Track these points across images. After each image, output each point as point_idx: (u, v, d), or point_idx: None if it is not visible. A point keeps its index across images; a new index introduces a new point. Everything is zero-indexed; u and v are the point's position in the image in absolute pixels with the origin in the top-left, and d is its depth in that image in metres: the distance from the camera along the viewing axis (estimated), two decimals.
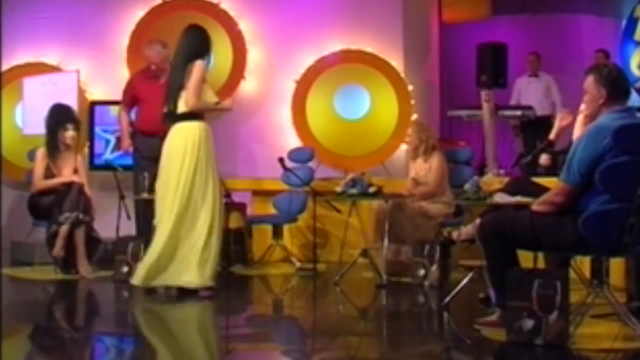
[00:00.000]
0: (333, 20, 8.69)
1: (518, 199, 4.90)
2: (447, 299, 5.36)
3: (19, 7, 8.47)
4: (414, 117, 8.49)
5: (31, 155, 7.24)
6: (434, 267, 6.18)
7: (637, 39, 10.58)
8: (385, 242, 6.51)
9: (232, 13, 8.68)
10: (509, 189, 5.21)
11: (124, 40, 8.64)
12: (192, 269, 5.68)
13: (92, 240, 6.88)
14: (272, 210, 7.61)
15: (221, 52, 8.26)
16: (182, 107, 5.81)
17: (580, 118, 5.19)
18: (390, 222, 6.57)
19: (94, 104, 8.43)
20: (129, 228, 7.34)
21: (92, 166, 8.26)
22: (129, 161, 7.61)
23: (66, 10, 8.68)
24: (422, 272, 6.22)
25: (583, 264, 5.53)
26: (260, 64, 8.72)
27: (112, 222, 7.39)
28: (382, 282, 6.30)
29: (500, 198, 5.02)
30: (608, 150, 4.16)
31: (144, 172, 6.89)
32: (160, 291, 5.85)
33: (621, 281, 5.36)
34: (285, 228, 7.57)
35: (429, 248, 6.21)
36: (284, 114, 8.70)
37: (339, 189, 6.53)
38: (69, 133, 6.99)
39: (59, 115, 7.01)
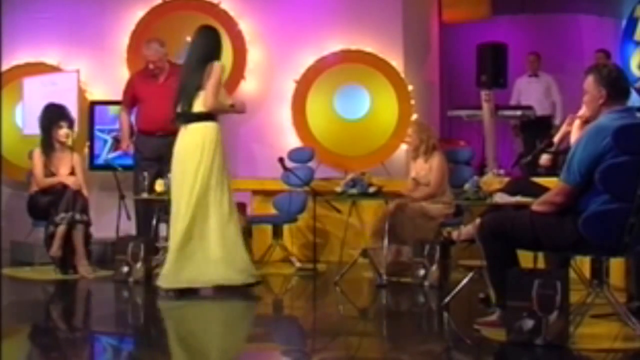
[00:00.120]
0: (333, 20, 8.68)
1: (518, 199, 4.90)
2: (447, 299, 5.36)
3: (19, 7, 8.46)
4: (414, 117, 8.49)
5: (31, 156, 7.24)
6: (434, 267, 6.18)
7: (637, 39, 10.58)
8: (385, 242, 6.51)
9: (232, 13, 8.68)
10: (509, 189, 5.21)
11: (124, 40, 8.64)
12: (219, 266, 5.75)
13: (87, 238, 6.89)
14: (272, 210, 7.61)
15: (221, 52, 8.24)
16: (199, 107, 5.85)
17: (577, 122, 5.18)
18: (391, 223, 6.57)
19: (94, 104, 8.43)
20: (129, 228, 7.34)
21: (92, 166, 8.27)
22: (127, 161, 7.61)
23: (66, 10, 8.68)
24: (422, 272, 6.22)
25: (583, 264, 5.52)
26: (260, 64, 8.72)
27: (112, 222, 7.39)
28: (382, 282, 6.30)
29: (500, 198, 5.02)
30: (608, 150, 4.16)
31: (143, 172, 6.91)
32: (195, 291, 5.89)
33: (621, 281, 5.36)
34: (285, 228, 7.57)
35: (429, 248, 6.21)
36: (284, 114, 8.69)
37: (339, 189, 6.53)
38: (63, 131, 7.01)
39: (52, 114, 7.04)
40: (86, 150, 8.32)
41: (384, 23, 8.69)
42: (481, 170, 7.94)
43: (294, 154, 7.71)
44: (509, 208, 4.91)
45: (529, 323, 4.17)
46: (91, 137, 8.33)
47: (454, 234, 6.15)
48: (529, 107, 9.28)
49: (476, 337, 4.49)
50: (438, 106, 9.59)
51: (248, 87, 8.68)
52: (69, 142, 7.10)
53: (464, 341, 4.67)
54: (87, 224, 6.83)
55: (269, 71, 8.73)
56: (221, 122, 6.01)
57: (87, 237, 6.89)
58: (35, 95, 7.99)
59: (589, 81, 4.37)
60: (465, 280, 5.39)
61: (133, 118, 7.47)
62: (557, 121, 9.27)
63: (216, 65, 5.85)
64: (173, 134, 7.02)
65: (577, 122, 5.18)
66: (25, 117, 8.18)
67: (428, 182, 6.86)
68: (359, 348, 4.69)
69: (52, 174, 6.97)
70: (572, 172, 4.25)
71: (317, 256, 7.26)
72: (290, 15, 8.74)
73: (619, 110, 4.32)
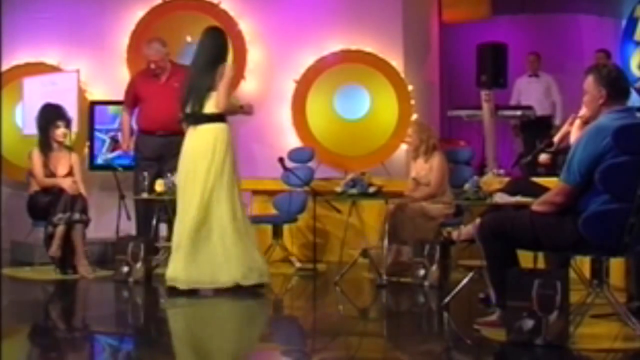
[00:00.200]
0: (333, 20, 8.68)
1: (518, 199, 4.91)
2: (447, 299, 5.36)
3: (19, 7, 8.46)
4: (414, 117, 8.49)
5: (30, 156, 7.25)
6: (434, 267, 6.17)
7: (637, 39, 10.58)
8: (385, 242, 6.51)
9: (232, 13, 8.68)
10: (509, 189, 5.21)
11: (124, 40, 8.64)
12: (231, 267, 5.78)
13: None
14: (272, 210, 7.61)
15: None
16: (210, 108, 5.87)
17: (577, 122, 5.18)
18: (391, 223, 6.58)
19: (94, 104, 8.43)
20: (129, 228, 7.34)
21: (92, 166, 8.27)
22: (126, 161, 7.61)
23: (66, 10, 8.69)
24: (422, 272, 6.21)
25: (583, 264, 5.52)
26: (260, 64, 8.72)
27: (112, 222, 7.40)
28: (382, 282, 6.30)
29: (500, 198, 5.02)
30: (608, 150, 4.16)
31: (143, 172, 6.91)
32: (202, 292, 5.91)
33: (621, 281, 5.36)
34: (285, 228, 7.57)
35: (429, 248, 6.21)
36: (284, 114, 8.70)
37: (339, 189, 6.53)
38: (60, 130, 7.02)
39: (50, 114, 7.06)
40: (86, 150, 8.33)
41: (384, 23, 8.69)
42: (481, 170, 7.94)
43: (294, 154, 7.71)
44: (509, 208, 4.91)
45: (529, 323, 4.16)
46: (91, 137, 8.33)
47: (454, 234, 6.16)
48: (529, 107, 9.28)
49: (476, 337, 4.49)
50: (438, 106, 9.59)
51: (248, 87, 8.68)
52: (67, 141, 7.11)
53: (464, 341, 4.67)
54: (86, 223, 6.82)
55: (269, 71, 8.73)
56: None
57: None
58: (35, 95, 7.99)
59: (589, 81, 4.37)
60: (465, 280, 5.39)
61: (134, 118, 7.47)
62: (557, 121, 9.28)
63: (228, 66, 5.90)
64: (173, 134, 7.03)
65: (577, 122, 5.19)
66: (25, 117, 8.18)
67: (428, 182, 6.86)
68: (359, 348, 4.69)
69: (52, 173, 6.97)
70: (572, 172, 4.25)
71: (317, 256, 7.26)
72: (290, 15, 8.74)
73: (619, 110, 4.32)
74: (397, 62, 8.65)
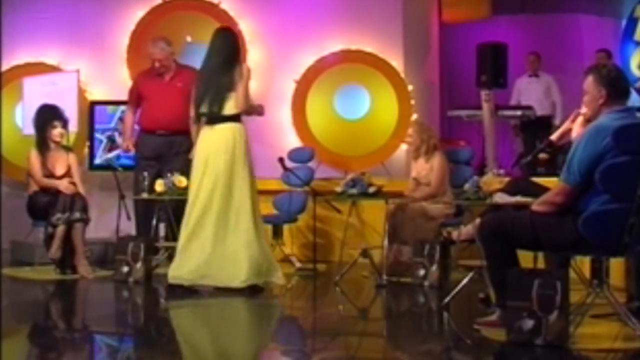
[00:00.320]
0: (333, 20, 8.68)
1: (518, 199, 4.91)
2: (447, 299, 5.36)
3: (19, 7, 8.46)
4: (414, 117, 8.49)
5: (28, 158, 7.25)
6: (434, 267, 6.17)
7: (637, 39, 10.58)
8: (385, 242, 6.51)
9: (232, 13, 8.68)
10: (509, 189, 5.21)
11: (124, 40, 8.64)
12: (244, 268, 5.81)
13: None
14: (272, 210, 7.61)
15: None
16: (231, 109, 5.90)
17: (580, 119, 5.18)
18: (392, 223, 6.58)
19: (94, 104, 8.43)
20: (129, 228, 7.34)
21: (92, 166, 8.27)
22: (125, 161, 7.61)
23: (66, 10, 8.68)
24: (422, 272, 6.21)
25: (583, 264, 5.52)
26: (260, 64, 8.71)
27: (112, 222, 7.39)
28: (382, 282, 6.31)
29: (500, 198, 5.02)
30: (608, 150, 4.16)
31: (143, 172, 6.90)
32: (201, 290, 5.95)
33: (621, 281, 5.36)
34: (285, 228, 7.57)
35: (429, 248, 6.21)
36: (284, 114, 8.69)
37: (339, 189, 6.54)
38: (57, 130, 7.04)
39: (46, 114, 7.08)
40: (86, 150, 8.32)
41: (384, 23, 8.69)
42: (481, 170, 7.93)
43: (294, 154, 7.71)
44: (509, 208, 4.91)
45: (529, 323, 4.16)
46: (91, 137, 8.33)
47: (454, 234, 6.16)
48: (529, 107, 9.28)
49: (476, 337, 4.49)
50: (438, 106, 9.59)
51: None
52: (64, 141, 7.12)
53: (464, 341, 4.67)
54: (86, 222, 6.82)
55: (269, 71, 8.73)
56: None
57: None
58: (35, 95, 7.98)
59: (589, 81, 4.37)
60: (465, 280, 5.39)
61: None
62: (557, 121, 9.28)
63: (246, 67, 5.97)
64: (174, 133, 7.06)
65: (580, 119, 5.18)
66: (25, 117, 8.16)
67: (429, 182, 6.86)
68: (359, 348, 4.69)
69: (50, 173, 6.98)
70: (572, 172, 4.25)
71: (317, 256, 7.26)
72: (290, 15, 8.74)
73: (619, 110, 4.32)
74: (397, 62, 8.65)
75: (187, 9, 8.68)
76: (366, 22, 8.67)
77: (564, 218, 4.26)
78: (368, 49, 8.64)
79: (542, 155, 5.96)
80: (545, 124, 9.24)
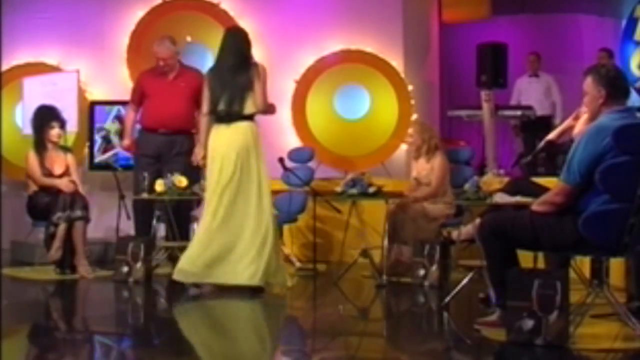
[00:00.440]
0: (333, 20, 8.68)
1: (518, 199, 4.91)
2: (447, 299, 5.36)
3: (19, 7, 8.46)
4: (414, 116, 8.49)
5: (26, 159, 7.25)
6: (434, 267, 6.17)
7: (637, 39, 10.57)
8: (385, 242, 6.51)
9: (232, 13, 8.68)
10: (509, 189, 5.22)
11: (124, 40, 8.64)
12: (253, 267, 5.83)
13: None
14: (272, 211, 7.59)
15: None
16: (250, 108, 5.96)
17: (585, 117, 5.18)
18: (392, 223, 6.57)
19: (94, 104, 8.43)
20: (129, 228, 7.34)
21: (92, 166, 8.27)
22: (123, 162, 7.61)
23: (66, 10, 8.68)
24: (422, 272, 6.21)
25: (583, 264, 5.53)
26: None
27: (112, 222, 7.39)
28: (382, 282, 6.31)
29: (500, 198, 5.02)
30: (608, 150, 4.16)
31: (144, 172, 6.88)
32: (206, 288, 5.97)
33: (621, 281, 5.36)
34: (285, 228, 7.56)
35: (429, 248, 6.21)
36: (284, 114, 8.69)
37: (339, 189, 6.54)
38: (55, 131, 7.04)
39: (44, 115, 7.09)
40: (86, 150, 8.32)
41: (384, 23, 8.70)
42: (481, 170, 7.95)
43: (294, 154, 7.71)
44: (509, 208, 4.91)
45: (529, 323, 4.16)
46: (91, 137, 8.33)
47: (454, 234, 6.17)
48: (529, 107, 9.28)
49: (476, 337, 4.49)
50: (438, 106, 9.59)
51: None
52: (61, 142, 7.13)
53: (464, 341, 4.67)
54: (87, 220, 6.82)
55: (269, 71, 8.63)
56: None
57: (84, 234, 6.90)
58: (35, 95, 7.99)
59: (588, 82, 4.37)
60: (465, 280, 5.40)
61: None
62: (557, 121, 9.26)
63: (262, 67, 6.04)
64: (176, 133, 7.05)
65: (584, 116, 5.18)
66: (25, 117, 8.16)
67: (429, 182, 6.85)
68: (359, 348, 4.69)
69: (49, 172, 6.98)
70: (572, 172, 4.25)
71: (317, 256, 7.25)
72: (290, 15, 8.74)
73: (619, 110, 4.32)
74: (397, 62, 8.65)
75: (187, 9, 8.67)
76: (366, 22, 8.68)
77: (564, 218, 4.26)
78: (368, 49, 8.64)
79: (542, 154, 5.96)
80: (545, 124, 9.23)
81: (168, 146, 7.07)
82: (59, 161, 7.06)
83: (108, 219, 7.64)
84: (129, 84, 7.89)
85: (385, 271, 6.40)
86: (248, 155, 5.94)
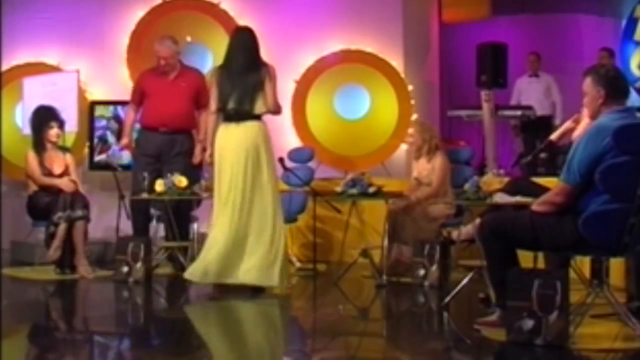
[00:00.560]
0: (333, 20, 8.68)
1: (518, 199, 4.91)
2: (447, 299, 5.36)
3: (19, 7, 8.46)
4: (414, 116, 8.49)
5: (25, 159, 7.25)
6: (434, 267, 6.17)
7: (637, 39, 10.57)
8: (385, 242, 6.51)
9: (232, 13, 8.67)
10: (509, 189, 5.21)
11: (124, 40, 8.64)
12: (264, 267, 5.86)
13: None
14: None
15: (221, 52, 8.20)
16: (261, 108, 5.99)
17: (586, 120, 5.18)
18: (392, 223, 6.57)
19: (94, 104, 8.43)
20: (129, 228, 7.34)
21: (92, 166, 8.27)
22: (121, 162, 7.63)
23: (66, 10, 8.68)
24: (422, 272, 6.21)
25: (583, 264, 5.53)
26: None
27: (112, 222, 7.39)
28: (382, 282, 6.30)
29: (500, 198, 5.02)
30: (608, 150, 4.17)
31: (144, 172, 6.86)
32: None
33: (621, 281, 5.36)
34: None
35: (429, 248, 6.21)
36: (284, 114, 8.63)
37: (339, 189, 6.54)
38: (54, 131, 7.06)
39: (43, 115, 7.11)
40: (86, 150, 8.32)
41: (384, 23, 8.70)
42: (481, 170, 7.94)
43: (294, 154, 7.71)
44: (509, 208, 4.91)
45: (529, 323, 4.16)
46: (91, 137, 8.33)
47: (454, 234, 6.17)
48: (529, 107, 9.27)
49: (476, 337, 4.49)
50: (438, 106, 9.59)
51: None
52: (60, 142, 7.13)
53: (464, 341, 4.67)
54: (88, 219, 6.82)
55: None
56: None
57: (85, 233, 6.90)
58: (35, 95, 7.99)
59: (587, 82, 4.38)
60: (465, 280, 5.40)
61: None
62: (557, 121, 9.27)
63: (273, 68, 6.04)
64: (176, 132, 7.04)
65: (585, 120, 5.18)
66: (25, 117, 8.16)
67: (430, 182, 6.85)
68: (359, 348, 4.69)
69: (49, 172, 6.99)
70: (572, 172, 4.25)
71: (317, 256, 7.25)
72: (290, 15, 8.74)
73: (619, 110, 4.32)
74: (397, 62, 8.65)
75: (187, 9, 8.67)
76: (366, 22, 8.68)
77: (564, 218, 4.26)
78: (368, 49, 8.64)
79: (543, 156, 5.96)
80: (545, 124, 9.23)
81: (168, 145, 7.06)
82: (58, 161, 7.07)
83: (108, 219, 7.64)
84: (129, 84, 7.89)
85: (385, 271, 6.40)
86: (258, 154, 5.96)
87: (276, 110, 6.11)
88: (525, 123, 9.37)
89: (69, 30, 8.63)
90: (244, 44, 6.07)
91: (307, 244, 7.75)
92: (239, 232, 5.89)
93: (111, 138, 8.22)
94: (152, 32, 8.23)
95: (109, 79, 8.56)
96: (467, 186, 5.27)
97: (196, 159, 7.06)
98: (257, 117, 6.03)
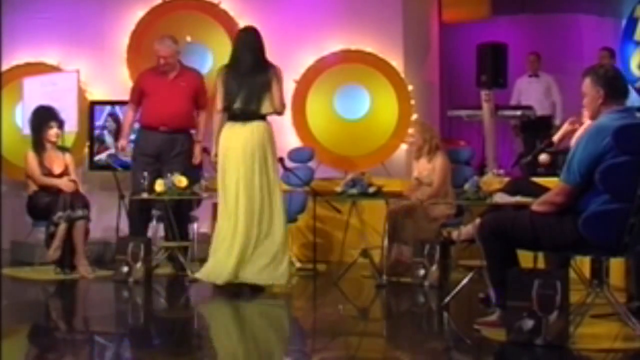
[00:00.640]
0: (333, 20, 8.68)
1: (518, 199, 4.91)
2: (447, 299, 5.36)
3: (19, 7, 8.46)
4: (414, 116, 8.49)
5: (25, 159, 7.25)
6: (434, 267, 6.17)
7: (637, 39, 10.57)
8: (385, 242, 6.51)
9: (232, 13, 8.68)
10: (509, 189, 5.21)
11: (124, 40, 8.64)
12: (274, 266, 5.94)
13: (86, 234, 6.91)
14: None
15: (221, 52, 8.25)
16: (267, 108, 6.03)
17: (587, 122, 5.17)
18: (392, 223, 6.57)
19: (94, 104, 8.43)
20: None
21: (92, 166, 8.27)
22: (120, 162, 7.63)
23: (66, 10, 8.68)
24: (422, 272, 6.21)
25: (583, 264, 5.53)
26: None
27: (112, 222, 7.38)
28: (382, 282, 6.30)
29: (500, 198, 5.02)
30: (608, 150, 4.17)
31: (143, 172, 6.84)
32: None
33: (621, 281, 5.36)
34: None
35: (429, 248, 6.21)
36: (284, 114, 8.67)
37: (339, 189, 6.54)
38: (53, 131, 7.06)
39: (42, 115, 7.12)
40: (86, 150, 8.32)
41: (384, 23, 8.70)
42: (481, 170, 7.93)
43: (294, 154, 7.71)
44: (509, 208, 4.91)
45: (529, 323, 4.16)
46: (91, 137, 8.33)
47: (454, 234, 6.17)
48: (529, 107, 9.27)
49: (476, 337, 4.49)
50: (438, 106, 9.59)
51: None
52: (59, 142, 7.13)
53: (464, 341, 4.67)
54: (88, 219, 6.82)
55: None
56: None
57: (86, 233, 6.89)
58: (35, 95, 7.99)
59: (587, 83, 4.38)
60: (465, 280, 5.40)
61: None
62: (557, 121, 9.27)
63: (280, 70, 6.09)
64: (176, 131, 7.04)
65: (587, 122, 5.17)
66: (25, 117, 8.16)
67: (431, 182, 6.85)
68: (359, 348, 4.69)
69: (49, 172, 6.99)
70: (572, 172, 4.25)
71: (317, 256, 7.26)
72: (290, 15, 8.74)
73: (619, 110, 4.32)
74: (397, 62, 8.65)
75: (187, 9, 8.68)
76: (366, 22, 8.68)
77: (564, 218, 4.26)
78: (368, 49, 8.64)
79: (543, 158, 5.95)
80: (545, 124, 9.23)
81: (168, 145, 7.04)
82: (57, 161, 7.07)
83: (107, 219, 7.64)
84: (129, 84, 7.88)
85: (385, 271, 6.40)
86: (265, 154, 5.99)
87: (283, 111, 6.16)
88: (525, 123, 9.36)
89: (69, 30, 8.64)
90: (250, 44, 6.09)
91: (307, 244, 7.75)
92: (250, 232, 5.90)
93: (108, 138, 8.21)
94: (152, 32, 8.22)
95: (109, 79, 8.56)
96: (467, 186, 5.27)
97: (196, 159, 7.06)
98: (263, 117, 6.05)
